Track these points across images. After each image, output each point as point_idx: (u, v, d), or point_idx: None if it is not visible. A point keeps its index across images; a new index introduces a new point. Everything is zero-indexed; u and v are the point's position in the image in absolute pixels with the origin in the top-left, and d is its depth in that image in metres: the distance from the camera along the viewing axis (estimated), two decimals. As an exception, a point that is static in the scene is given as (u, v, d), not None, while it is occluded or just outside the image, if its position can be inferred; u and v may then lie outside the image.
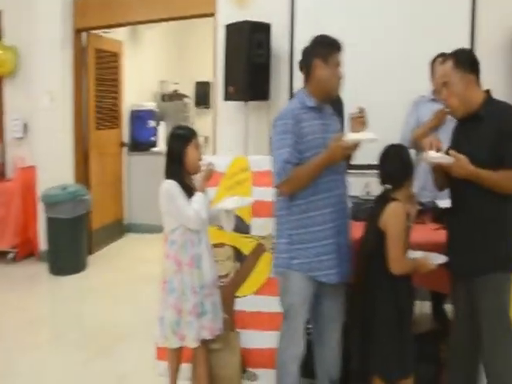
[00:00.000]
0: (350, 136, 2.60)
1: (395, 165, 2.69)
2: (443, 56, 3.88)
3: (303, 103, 2.77)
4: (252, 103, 5.21)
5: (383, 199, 2.69)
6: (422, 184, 3.67)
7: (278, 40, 5.20)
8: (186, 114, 8.76)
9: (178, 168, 3.00)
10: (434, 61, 4.01)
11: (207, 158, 3.12)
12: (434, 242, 3.01)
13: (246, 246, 3.48)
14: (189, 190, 2.97)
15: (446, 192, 3.55)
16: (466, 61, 2.67)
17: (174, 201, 2.93)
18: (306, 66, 2.82)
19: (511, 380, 2.64)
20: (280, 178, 2.68)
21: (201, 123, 8.85)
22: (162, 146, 7.55)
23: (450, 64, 2.68)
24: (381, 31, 5.05)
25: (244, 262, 3.49)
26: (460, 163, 2.54)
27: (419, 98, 4.12)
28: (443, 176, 2.73)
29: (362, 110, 2.77)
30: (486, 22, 4.79)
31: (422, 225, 3.35)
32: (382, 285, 2.64)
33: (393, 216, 2.61)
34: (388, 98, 4.68)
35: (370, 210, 2.80)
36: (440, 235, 3.08)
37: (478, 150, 2.58)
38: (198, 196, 2.94)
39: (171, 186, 2.94)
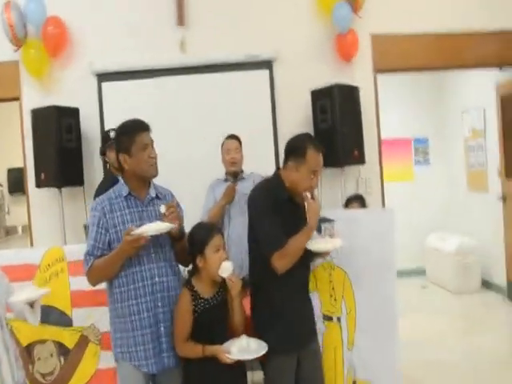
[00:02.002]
0: (138, 230, 2.58)
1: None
2: (234, 138, 4.26)
3: (119, 191, 2.78)
4: (66, 189, 5.11)
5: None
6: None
7: (88, 123, 5.20)
8: (-1, 203, 8.31)
9: None
10: (224, 142, 4.28)
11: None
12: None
13: (70, 338, 3.32)
14: None
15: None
16: None
17: None
18: (117, 158, 2.81)
19: None
20: (84, 268, 2.74)
21: (18, 211, 8.42)
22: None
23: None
24: (185, 115, 5.28)
25: (69, 356, 3.33)
26: None
27: (215, 181, 4.32)
28: None
29: (169, 207, 2.76)
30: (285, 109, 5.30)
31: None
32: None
33: (178, 302, 2.73)
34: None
35: None
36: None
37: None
38: None
39: None
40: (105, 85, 5.33)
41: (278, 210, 2.72)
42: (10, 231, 8.36)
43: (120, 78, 5.30)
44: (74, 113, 5.13)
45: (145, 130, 2.78)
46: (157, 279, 2.72)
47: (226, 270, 2.69)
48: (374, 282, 2.98)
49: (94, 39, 5.29)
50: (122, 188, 2.79)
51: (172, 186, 4.89)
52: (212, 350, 2.67)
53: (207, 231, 2.77)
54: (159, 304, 2.71)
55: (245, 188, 4.14)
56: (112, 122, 5.14)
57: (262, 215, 2.75)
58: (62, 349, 3.34)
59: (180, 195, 4.85)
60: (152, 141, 2.79)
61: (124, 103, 5.22)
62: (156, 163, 2.79)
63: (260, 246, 2.73)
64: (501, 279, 6.94)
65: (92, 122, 5.23)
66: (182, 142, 5.23)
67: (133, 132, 2.74)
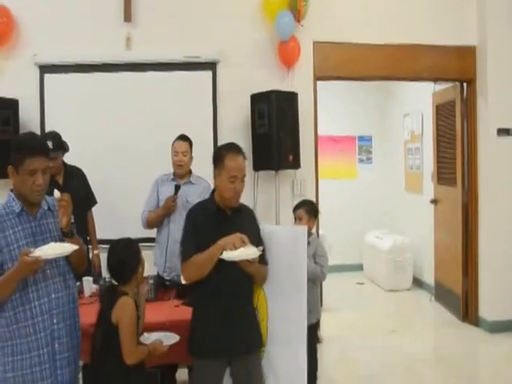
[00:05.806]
0: (36, 252, 2.39)
1: (118, 261, 2.78)
2: (184, 139, 4.24)
3: (10, 207, 2.57)
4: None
5: (112, 293, 2.79)
6: (168, 264, 4.05)
7: (28, 115, 5.16)
8: None
9: None
10: (174, 142, 4.27)
11: None
12: (174, 319, 3.24)
13: None
14: None
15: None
16: None
17: None
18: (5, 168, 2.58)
19: None
20: None
21: None
22: None
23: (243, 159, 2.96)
24: (126, 111, 5.31)
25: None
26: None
27: (161, 177, 4.31)
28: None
29: (61, 199, 2.56)
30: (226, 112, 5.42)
31: (167, 301, 3.54)
32: (117, 375, 2.71)
33: (123, 311, 2.70)
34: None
35: (100, 304, 2.88)
36: (181, 312, 3.32)
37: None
38: None
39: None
40: (47, 77, 5.29)
41: (201, 224, 2.91)
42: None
43: (63, 70, 5.28)
44: (12, 104, 5.06)
45: (40, 154, 2.53)
46: (53, 295, 2.60)
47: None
48: (287, 295, 3.06)
49: (39, 31, 5.24)
50: (13, 203, 2.57)
51: (114, 179, 5.08)
52: (154, 346, 2.80)
53: (134, 242, 2.90)
54: (55, 321, 2.59)
55: (189, 193, 4.13)
56: (53, 116, 5.22)
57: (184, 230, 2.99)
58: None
59: (121, 190, 5.03)
60: (47, 167, 2.57)
61: (66, 97, 5.25)
62: (41, 191, 2.57)
63: None
64: (430, 278, 7.25)
65: (32, 114, 5.22)
66: (122, 138, 5.27)
67: (25, 153, 2.50)
